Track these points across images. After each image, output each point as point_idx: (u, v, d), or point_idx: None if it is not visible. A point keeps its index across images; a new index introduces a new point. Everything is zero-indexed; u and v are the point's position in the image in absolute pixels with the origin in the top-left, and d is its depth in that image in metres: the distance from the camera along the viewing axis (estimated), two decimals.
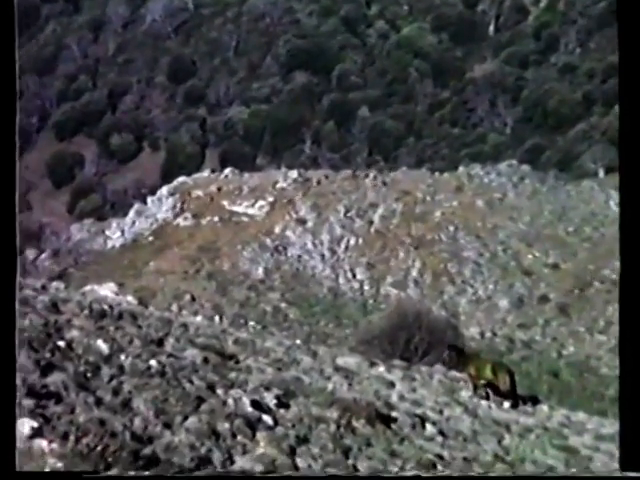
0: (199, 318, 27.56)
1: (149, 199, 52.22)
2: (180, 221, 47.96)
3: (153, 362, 13.45)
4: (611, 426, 17.01)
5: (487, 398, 18.55)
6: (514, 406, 18.58)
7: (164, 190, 51.60)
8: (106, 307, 16.77)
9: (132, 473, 9.36)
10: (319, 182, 50.80)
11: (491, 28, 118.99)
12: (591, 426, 17.73)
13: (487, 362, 19.81)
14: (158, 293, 36.57)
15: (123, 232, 49.61)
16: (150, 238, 47.20)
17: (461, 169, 54.49)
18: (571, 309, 34.35)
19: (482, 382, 18.81)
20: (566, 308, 34.18)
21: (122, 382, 12.00)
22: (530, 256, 38.27)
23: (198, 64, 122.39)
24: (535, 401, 19.68)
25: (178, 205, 49.32)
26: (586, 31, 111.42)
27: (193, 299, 37.45)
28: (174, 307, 35.54)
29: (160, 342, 15.42)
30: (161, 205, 50.12)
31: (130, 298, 23.67)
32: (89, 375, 11.96)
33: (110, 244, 48.78)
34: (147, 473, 9.53)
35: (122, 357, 13.34)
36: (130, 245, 47.48)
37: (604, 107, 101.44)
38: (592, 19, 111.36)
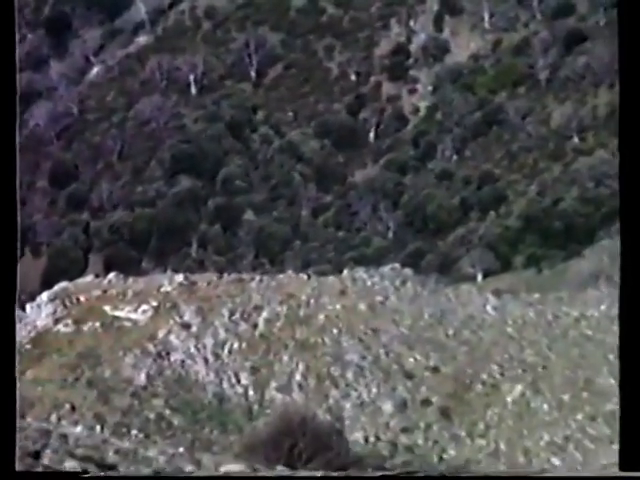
0: (79, 428, 26.95)
1: (28, 306, 51.01)
2: (60, 327, 46.91)
3: None
4: None
5: None
6: None
7: (44, 296, 50.41)
8: None
9: (132, 473, 9.01)
10: (205, 285, 50.63)
11: (371, 135, 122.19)
12: None
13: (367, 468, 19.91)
14: (36, 403, 35.60)
15: None
16: (28, 346, 45.96)
17: (345, 272, 55.01)
18: (452, 412, 34.78)
19: None
20: (447, 412, 34.60)
21: None
22: (411, 359, 38.69)
23: (81, 168, 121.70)
24: None
25: (58, 311, 48.40)
26: (462, 139, 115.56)
27: (73, 408, 36.54)
28: (53, 417, 34.62)
29: (37, 455, 15.07)
30: (40, 312, 48.98)
31: None
32: None
33: None
34: (147, 473, 9.17)
35: None
36: None
37: (481, 212, 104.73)
38: (467, 128, 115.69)
